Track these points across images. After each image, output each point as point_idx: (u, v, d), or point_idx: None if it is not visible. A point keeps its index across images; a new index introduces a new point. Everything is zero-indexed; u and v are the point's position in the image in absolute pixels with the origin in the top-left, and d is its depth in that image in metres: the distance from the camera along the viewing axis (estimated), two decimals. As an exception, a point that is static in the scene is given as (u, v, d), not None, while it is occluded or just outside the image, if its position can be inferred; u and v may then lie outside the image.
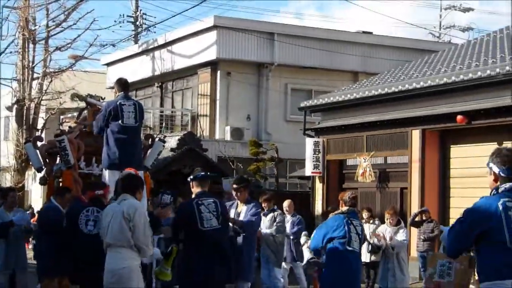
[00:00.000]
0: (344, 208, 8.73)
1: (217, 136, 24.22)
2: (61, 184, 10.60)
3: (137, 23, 36.73)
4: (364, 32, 27.42)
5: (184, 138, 19.72)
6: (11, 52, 26.04)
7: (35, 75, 25.91)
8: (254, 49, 24.64)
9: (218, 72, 24.60)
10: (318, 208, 19.29)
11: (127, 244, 7.09)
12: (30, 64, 25.25)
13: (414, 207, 16.51)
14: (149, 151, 11.24)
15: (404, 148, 17.29)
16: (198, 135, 22.77)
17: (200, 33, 24.91)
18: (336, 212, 9.01)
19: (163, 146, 11.72)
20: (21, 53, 25.01)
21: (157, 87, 28.27)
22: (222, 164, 20.96)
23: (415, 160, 16.84)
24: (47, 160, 11.09)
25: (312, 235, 9.05)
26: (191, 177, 8.35)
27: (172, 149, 19.23)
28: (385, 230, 11.89)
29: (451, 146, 16.76)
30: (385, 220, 12.05)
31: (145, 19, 36.94)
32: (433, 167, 16.81)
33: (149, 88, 29.13)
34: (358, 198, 9.27)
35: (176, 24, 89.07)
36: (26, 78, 24.85)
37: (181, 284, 8.30)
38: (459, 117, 15.42)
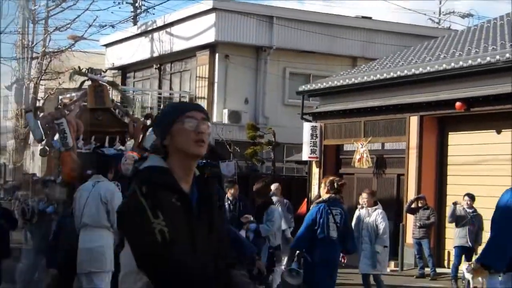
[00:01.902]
0: (326, 196, 8.74)
1: (214, 119, 24.13)
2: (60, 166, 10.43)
3: (136, 4, 36.53)
4: (363, 17, 27.28)
5: None
6: (10, 32, 25.96)
7: (35, 55, 25.80)
8: (253, 32, 24.51)
9: (217, 55, 24.47)
10: (315, 192, 19.22)
11: (103, 225, 7.38)
12: (30, 44, 25.14)
13: (411, 194, 16.48)
14: (148, 131, 11.07)
15: (402, 134, 17.23)
16: None
17: (199, 15, 24.75)
18: (317, 200, 9.02)
19: None
20: (21, 32, 24.90)
21: (156, 69, 28.16)
22: (219, 147, 20.90)
23: (413, 146, 16.79)
24: (48, 132, 10.90)
25: (297, 234, 9.13)
26: None
27: None
28: (362, 211, 11.69)
29: (449, 133, 16.71)
30: (360, 200, 11.88)
31: (144, 0, 36.71)
32: (431, 154, 16.76)
33: (147, 70, 29.02)
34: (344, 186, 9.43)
35: (175, 6, 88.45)
36: (25, 58, 24.76)
37: None
38: (458, 103, 15.36)
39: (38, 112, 11.20)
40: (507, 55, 14.46)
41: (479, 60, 15.07)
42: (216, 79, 24.42)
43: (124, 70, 30.41)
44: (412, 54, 18.91)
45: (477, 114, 15.55)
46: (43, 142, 10.94)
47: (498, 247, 4.81)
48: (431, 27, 35.46)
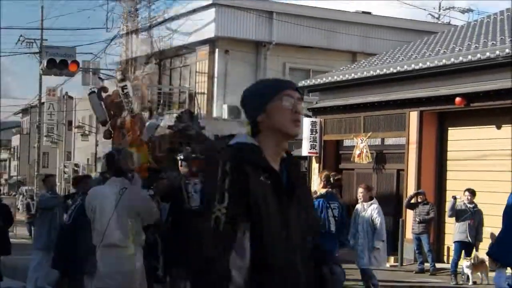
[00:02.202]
0: (323, 191, 8.74)
1: (214, 114, 24.11)
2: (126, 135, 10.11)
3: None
4: (363, 12, 27.26)
5: (181, 116, 19.61)
6: (115, 44, 26.16)
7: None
8: (253, 28, 24.48)
9: (216, 50, 24.46)
10: (314, 188, 19.17)
11: (139, 243, 6.42)
12: (133, 55, 25.20)
13: (411, 189, 16.47)
14: (147, 124, 10.87)
15: (401, 129, 17.22)
16: (196, 113, 22.63)
17: (199, 11, 24.73)
18: (315, 196, 9.00)
19: (161, 119, 11.31)
20: (124, 44, 24.91)
21: (155, 64, 28.12)
22: (219, 143, 20.87)
23: (413, 141, 16.78)
24: (112, 112, 10.57)
25: None
26: (181, 157, 8.20)
27: (169, 127, 19.15)
28: (358, 206, 11.67)
29: (449, 128, 16.70)
30: (358, 195, 11.83)
31: None
32: (430, 149, 16.76)
33: (147, 65, 28.96)
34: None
35: (174, 2, 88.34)
36: (129, 69, 24.72)
37: None
38: (457, 99, 15.35)
39: (102, 92, 10.79)
40: (507, 50, 14.45)
41: (479, 55, 15.06)
42: (215, 74, 24.39)
43: (124, 65, 30.33)
44: (412, 50, 18.90)
45: (477, 110, 15.54)
46: (107, 125, 10.60)
47: (505, 243, 4.82)
48: (431, 22, 35.41)
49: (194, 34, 24.86)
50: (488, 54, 14.86)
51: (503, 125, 15.17)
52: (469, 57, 15.27)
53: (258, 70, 24.68)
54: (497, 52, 14.65)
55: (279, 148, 3.04)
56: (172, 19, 26.16)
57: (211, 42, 24.47)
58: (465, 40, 17.31)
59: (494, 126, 15.38)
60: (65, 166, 41.11)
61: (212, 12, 24.10)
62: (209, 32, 24.16)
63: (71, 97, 45.65)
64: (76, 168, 36.37)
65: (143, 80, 10.72)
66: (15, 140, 64.59)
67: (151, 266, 8.05)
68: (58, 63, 20.54)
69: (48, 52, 23.00)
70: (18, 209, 34.74)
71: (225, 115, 23.86)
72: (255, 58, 24.77)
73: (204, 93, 24.68)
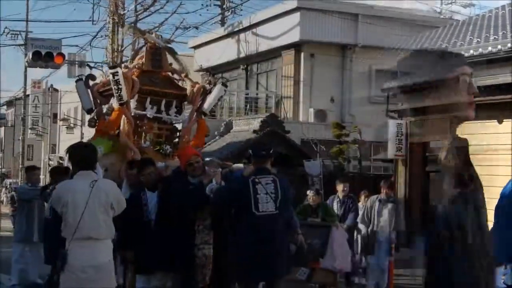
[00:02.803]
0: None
1: (300, 118, 24.11)
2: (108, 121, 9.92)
3: (224, 6, 36.28)
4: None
5: (267, 120, 19.68)
6: (102, 36, 26.17)
7: (124, 58, 25.81)
8: (338, 31, 24.50)
9: (302, 54, 24.48)
10: (401, 191, 18.26)
11: (110, 236, 6.34)
12: (120, 48, 25.21)
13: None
14: (209, 95, 10.73)
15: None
16: (282, 117, 22.76)
17: (284, 15, 24.87)
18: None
19: (225, 91, 11.07)
20: (110, 37, 24.94)
21: (242, 69, 28.25)
22: (305, 147, 20.94)
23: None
24: (99, 100, 10.47)
25: None
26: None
27: (254, 131, 19.24)
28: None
29: (451, 123, 16.68)
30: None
31: (231, 1, 36.34)
32: (432, 144, 16.74)
33: (234, 71, 29.19)
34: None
35: (257, 5, 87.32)
36: (116, 62, 24.76)
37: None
38: (459, 93, 15.35)
39: (90, 80, 10.68)
40: (509, 45, 14.45)
41: (480, 50, 15.06)
42: (301, 78, 24.39)
43: (212, 71, 30.47)
44: (414, 44, 18.86)
45: (478, 104, 15.46)
46: (93, 114, 10.49)
47: (499, 238, 4.78)
48: (433, 16, 35.33)
49: (279, 39, 24.99)
50: (489, 48, 14.86)
51: (504, 120, 15.18)
52: (471, 51, 15.27)
53: (344, 73, 24.71)
54: (499, 47, 14.65)
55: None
56: (257, 24, 26.30)
57: (296, 46, 24.53)
58: (466, 34, 17.28)
59: (496, 120, 15.39)
60: (50, 159, 41.10)
61: (297, 16, 24.21)
62: (295, 36, 24.24)
63: (56, 90, 45.58)
64: (61, 161, 36.37)
65: (130, 67, 10.60)
66: (-1, 133, 64.79)
67: (135, 258, 8.04)
68: (44, 56, 20.49)
69: (33, 44, 22.90)
70: (2, 202, 34.76)
71: (311, 118, 23.91)
72: (341, 61, 24.82)
73: (290, 97, 24.75)
